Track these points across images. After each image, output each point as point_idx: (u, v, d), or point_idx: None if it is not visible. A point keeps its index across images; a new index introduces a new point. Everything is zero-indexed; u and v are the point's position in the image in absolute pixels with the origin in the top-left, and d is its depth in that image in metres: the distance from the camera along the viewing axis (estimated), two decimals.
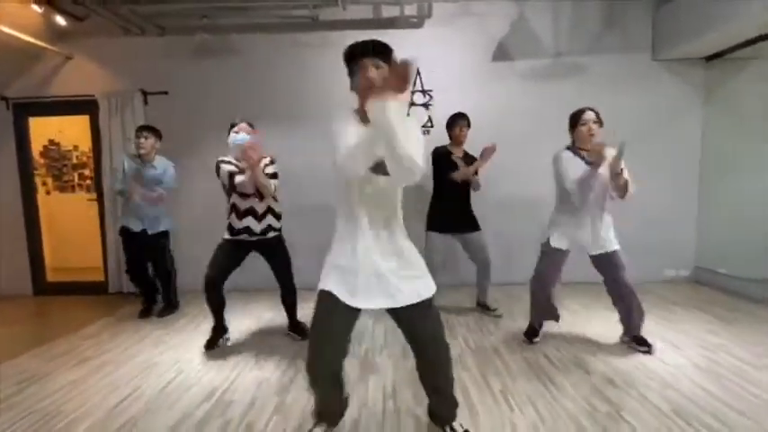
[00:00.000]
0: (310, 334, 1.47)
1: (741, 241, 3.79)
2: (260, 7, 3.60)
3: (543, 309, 2.53)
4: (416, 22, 3.83)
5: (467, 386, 2.03)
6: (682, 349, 2.41)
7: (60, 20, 3.58)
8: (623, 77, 3.84)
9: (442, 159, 2.96)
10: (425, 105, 3.87)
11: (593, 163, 2.15)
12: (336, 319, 1.40)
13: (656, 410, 1.78)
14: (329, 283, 1.41)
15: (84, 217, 5.14)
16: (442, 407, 1.61)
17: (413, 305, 1.40)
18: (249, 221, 2.51)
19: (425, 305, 1.43)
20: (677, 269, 4.01)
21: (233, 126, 2.51)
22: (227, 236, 2.56)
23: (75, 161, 5.51)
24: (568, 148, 2.39)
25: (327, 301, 1.40)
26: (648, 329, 2.50)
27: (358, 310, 1.41)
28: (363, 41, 1.36)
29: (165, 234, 3.28)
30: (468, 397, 1.93)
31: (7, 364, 2.45)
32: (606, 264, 2.36)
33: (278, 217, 2.61)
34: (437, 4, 3.70)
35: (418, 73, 3.84)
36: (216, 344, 2.60)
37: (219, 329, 2.64)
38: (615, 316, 2.48)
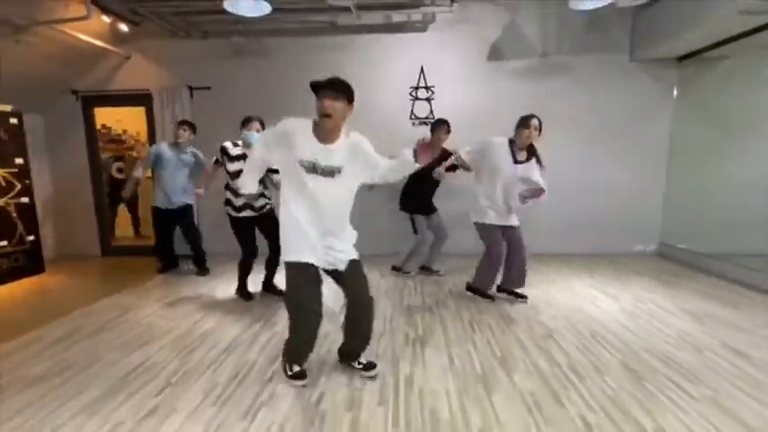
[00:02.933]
0: (289, 294, 1.96)
1: (701, 221, 4.37)
2: (286, 13, 4.22)
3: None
4: (421, 27, 4.41)
5: (444, 317, 2.77)
6: (618, 300, 3.08)
7: (123, 26, 4.28)
8: (603, 76, 4.38)
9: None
10: (428, 99, 4.50)
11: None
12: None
13: (578, 333, 2.48)
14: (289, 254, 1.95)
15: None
16: (358, 347, 2.07)
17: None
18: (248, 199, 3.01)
19: (352, 263, 1.95)
20: (645, 244, 4.63)
21: (247, 121, 2.96)
22: (232, 213, 3.07)
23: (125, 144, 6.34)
24: (510, 141, 2.89)
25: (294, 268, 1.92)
26: (603, 289, 3.21)
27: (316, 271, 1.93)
28: (326, 80, 1.77)
29: (190, 207, 4.02)
30: (445, 325, 2.66)
31: (109, 299, 3.29)
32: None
33: (266, 195, 3.14)
34: (440, 11, 4.27)
35: (422, 71, 4.46)
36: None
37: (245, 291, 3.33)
38: (569, 281, 3.14)
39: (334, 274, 2.00)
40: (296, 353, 2.03)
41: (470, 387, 1.93)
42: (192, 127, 3.89)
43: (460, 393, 1.88)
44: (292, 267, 1.91)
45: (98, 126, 5.95)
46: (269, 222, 3.15)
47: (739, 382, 1.95)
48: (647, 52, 4.23)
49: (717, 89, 4.27)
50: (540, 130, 2.83)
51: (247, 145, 2.96)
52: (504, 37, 4.37)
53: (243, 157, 2.99)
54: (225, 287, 3.56)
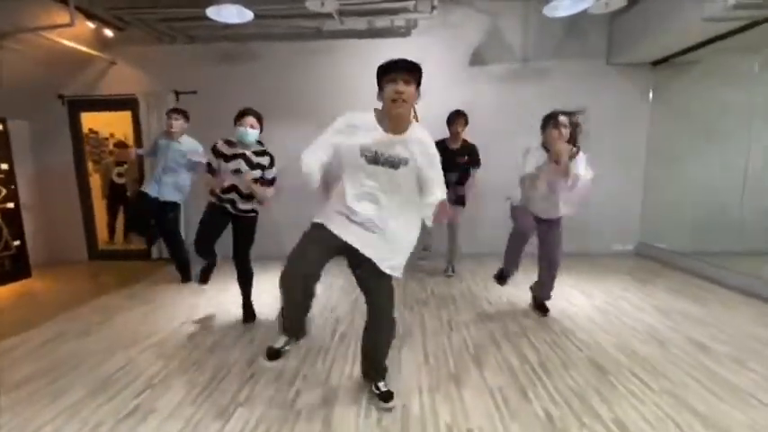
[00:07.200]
0: (293, 249, 1.67)
1: (677, 221, 4.50)
2: (272, 19, 4.28)
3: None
4: (404, 32, 4.49)
5: (424, 316, 2.85)
6: (592, 297, 3.19)
7: (107, 32, 4.32)
8: (581, 79, 4.49)
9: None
10: None
11: (555, 162, 2.40)
12: (319, 244, 1.67)
13: (550, 331, 2.57)
14: (322, 218, 1.70)
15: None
16: (370, 370, 1.91)
17: (375, 266, 1.66)
18: (234, 197, 2.65)
19: (386, 275, 1.70)
20: (623, 243, 4.76)
21: (241, 116, 2.64)
22: (213, 199, 2.72)
23: (110, 147, 6.34)
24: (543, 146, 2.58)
25: (317, 229, 1.69)
26: (579, 287, 3.27)
27: (337, 246, 1.65)
28: (396, 60, 1.57)
29: (176, 206, 3.74)
30: (424, 324, 2.74)
31: (94, 302, 3.33)
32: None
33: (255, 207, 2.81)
34: (422, 17, 4.36)
35: None
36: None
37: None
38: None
39: (358, 265, 1.74)
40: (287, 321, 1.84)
41: (442, 384, 2.01)
42: (185, 115, 3.60)
43: (431, 390, 1.96)
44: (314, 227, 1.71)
45: (86, 130, 6.04)
46: (248, 230, 2.81)
47: (696, 373, 2.05)
48: (622, 57, 4.36)
49: (689, 93, 4.41)
50: (570, 125, 2.55)
51: (243, 144, 2.65)
52: (485, 42, 4.47)
53: (241, 156, 2.63)
54: (208, 294, 3.61)
